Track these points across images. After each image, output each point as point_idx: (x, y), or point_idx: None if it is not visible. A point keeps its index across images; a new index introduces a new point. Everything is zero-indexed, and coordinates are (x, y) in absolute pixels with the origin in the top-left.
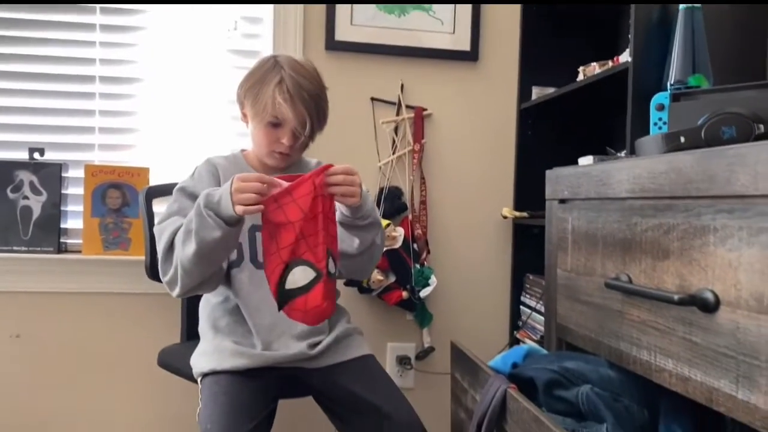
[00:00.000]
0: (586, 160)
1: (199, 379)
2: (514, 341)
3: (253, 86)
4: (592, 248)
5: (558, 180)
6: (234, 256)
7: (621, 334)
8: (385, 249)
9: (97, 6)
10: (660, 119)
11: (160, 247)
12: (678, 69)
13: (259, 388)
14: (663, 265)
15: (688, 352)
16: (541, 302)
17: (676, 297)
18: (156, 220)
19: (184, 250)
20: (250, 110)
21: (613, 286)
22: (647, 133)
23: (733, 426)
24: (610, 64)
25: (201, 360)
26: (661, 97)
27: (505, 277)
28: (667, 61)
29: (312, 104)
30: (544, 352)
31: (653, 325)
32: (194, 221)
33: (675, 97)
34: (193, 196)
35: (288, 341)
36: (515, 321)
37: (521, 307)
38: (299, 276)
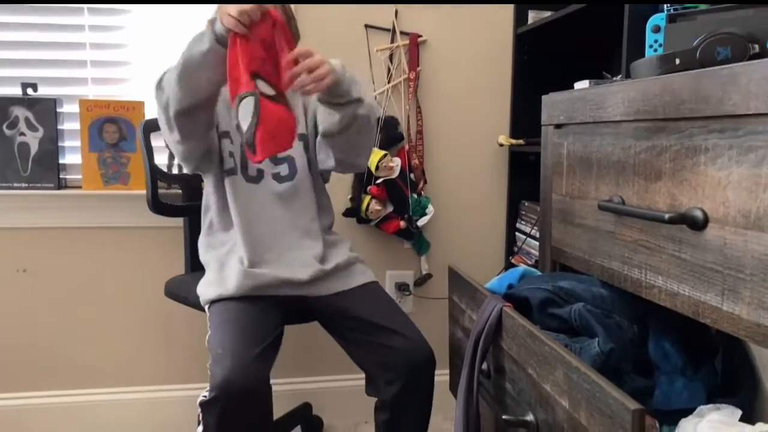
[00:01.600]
0: (581, 85)
1: (206, 307)
2: (509, 266)
3: None
4: (587, 172)
5: (553, 105)
6: (230, 164)
7: (613, 254)
8: (382, 179)
9: None
10: (656, 41)
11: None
12: None
13: (265, 313)
14: (655, 187)
15: (677, 268)
16: (536, 228)
17: (666, 216)
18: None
19: (174, 69)
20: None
21: (606, 208)
22: (643, 56)
23: (719, 339)
24: None
25: (208, 288)
26: (657, 19)
27: (501, 204)
28: None
29: None
30: (539, 273)
31: (644, 244)
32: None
33: (671, 18)
34: None
35: (287, 262)
36: (511, 247)
37: (516, 233)
38: (243, 110)
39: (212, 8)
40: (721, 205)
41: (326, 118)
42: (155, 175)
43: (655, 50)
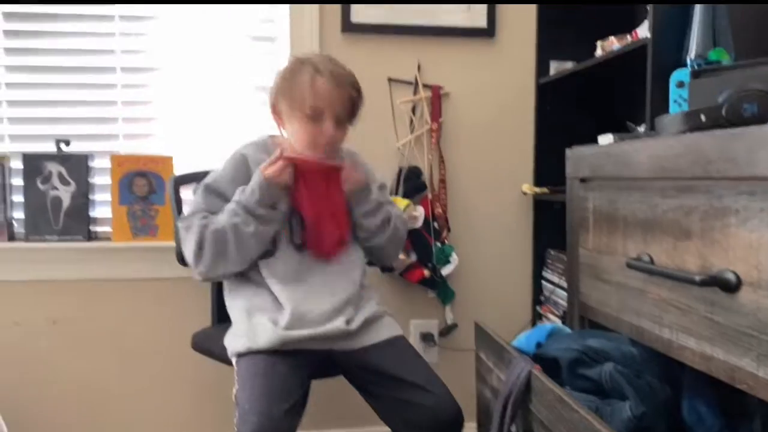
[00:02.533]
0: (606, 139)
1: (234, 360)
2: (536, 316)
3: (284, 84)
4: (614, 228)
5: (578, 159)
6: (270, 246)
7: (642, 312)
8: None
9: None
10: (680, 96)
11: (190, 243)
12: (698, 43)
13: (294, 369)
14: (684, 246)
15: (709, 330)
16: (563, 278)
17: (697, 278)
18: (181, 216)
19: (222, 244)
20: (286, 108)
21: (634, 267)
22: (667, 109)
23: (756, 403)
24: (629, 38)
25: (235, 340)
26: (681, 74)
27: (526, 252)
28: (687, 35)
29: (350, 85)
30: (568, 330)
31: (675, 304)
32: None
33: (695, 74)
34: (218, 193)
35: (319, 318)
36: (537, 296)
37: (543, 282)
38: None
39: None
40: (754, 268)
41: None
42: None
43: (680, 105)
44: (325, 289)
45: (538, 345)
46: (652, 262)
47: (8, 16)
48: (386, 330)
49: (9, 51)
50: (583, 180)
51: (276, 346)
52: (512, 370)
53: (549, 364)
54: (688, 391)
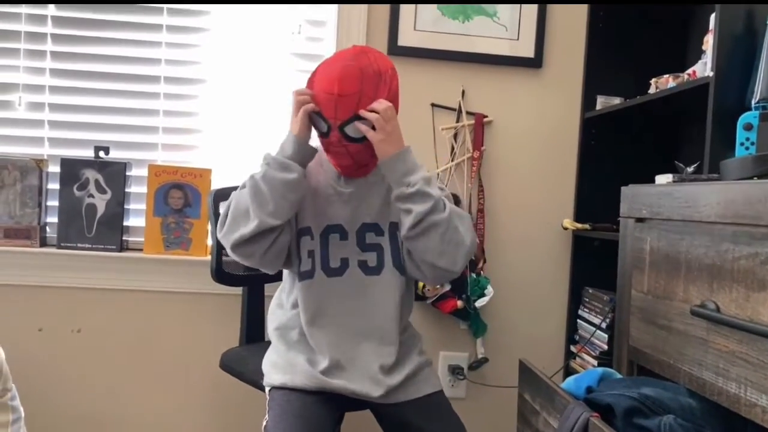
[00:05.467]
0: (664, 179)
1: (267, 389)
2: (570, 356)
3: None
4: (674, 271)
5: (635, 198)
6: (308, 266)
7: (705, 363)
8: None
9: (165, 6)
10: (747, 139)
11: (231, 210)
12: (764, 86)
13: (328, 410)
14: (758, 297)
15: None
16: (600, 317)
17: None
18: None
19: (256, 189)
20: None
21: (700, 314)
22: (728, 151)
23: None
24: (685, 77)
25: (274, 372)
26: (749, 117)
27: (562, 289)
28: (752, 77)
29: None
30: (618, 375)
31: (744, 357)
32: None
33: (764, 117)
34: None
35: (359, 369)
36: (572, 335)
37: (578, 320)
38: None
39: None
40: None
41: (401, 219)
42: (221, 243)
43: (747, 148)
44: (359, 325)
45: (589, 390)
46: (718, 310)
47: (57, 20)
48: (426, 386)
49: (55, 55)
50: (639, 220)
51: (313, 389)
52: (567, 416)
53: (602, 411)
54: None
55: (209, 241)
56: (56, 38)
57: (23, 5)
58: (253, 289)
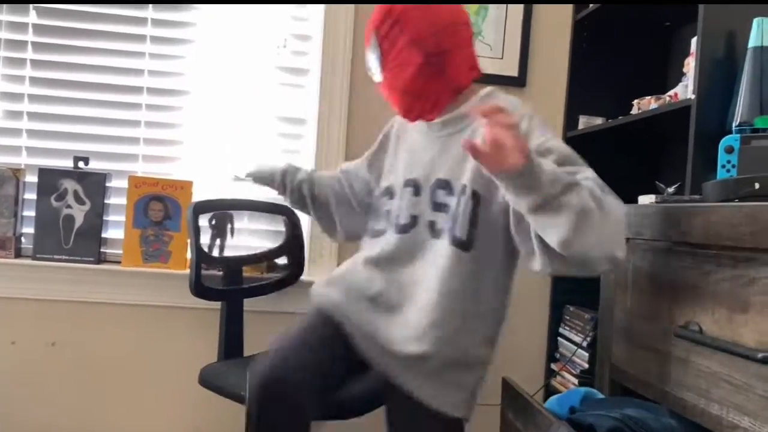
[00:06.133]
0: (647, 199)
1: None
2: (550, 374)
3: None
4: (657, 292)
5: None
6: (382, 224)
7: (687, 384)
8: None
9: (149, 17)
10: (728, 162)
11: None
12: (744, 109)
13: (339, 357)
14: (741, 319)
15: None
16: (582, 335)
17: (760, 355)
18: None
19: None
20: None
21: (684, 336)
22: (709, 173)
23: None
24: (667, 99)
25: (319, 286)
26: (730, 140)
27: (542, 306)
28: (733, 101)
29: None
30: (601, 396)
31: (727, 379)
32: None
33: (745, 140)
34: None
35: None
36: (552, 353)
37: (559, 338)
38: None
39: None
40: None
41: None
42: (201, 258)
43: (728, 171)
44: (401, 288)
45: (572, 410)
46: (701, 331)
47: (38, 28)
48: (446, 399)
49: (35, 63)
50: None
51: (341, 317)
52: None
53: (585, 431)
54: None
55: (188, 254)
56: (37, 46)
57: (3, 15)
58: (233, 304)
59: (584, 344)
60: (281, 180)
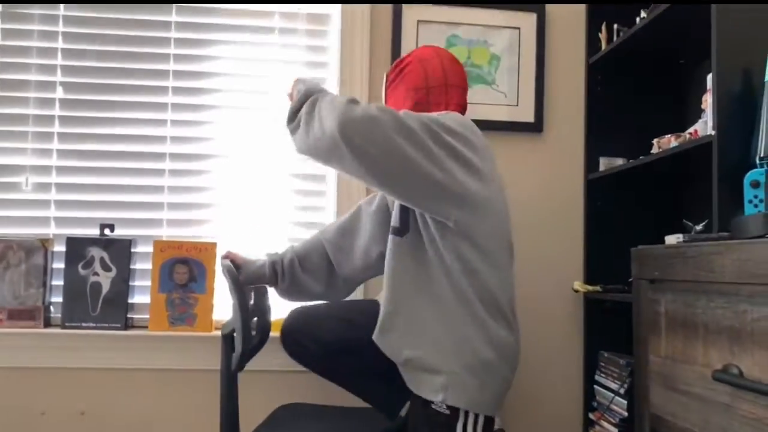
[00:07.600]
0: (674, 238)
1: None
2: (588, 423)
3: None
4: (692, 334)
5: (645, 259)
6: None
7: (731, 430)
8: None
9: (170, 86)
10: (756, 197)
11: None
12: (766, 142)
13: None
14: None
15: None
16: (618, 382)
17: None
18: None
19: None
20: None
21: (723, 380)
22: (735, 209)
23: None
24: (687, 136)
25: None
26: (755, 174)
27: (576, 353)
28: (754, 135)
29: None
30: None
31: None
32: None
33: None
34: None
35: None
36: (589, 401)
37: (596, 386)
38: None
39: None
40: None
41: None
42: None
43: (756, 206)
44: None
45: None
46: (741, 374)
47: (64, 103)
48: (423, 386)
49: (62, 136)
50: (652, 281)
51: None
52: None
53: None
54: None
55: (215, 316)
56: (63, 120)
57: (31, 92)
58: None
59: (621, 391)
60: (271, 271)
